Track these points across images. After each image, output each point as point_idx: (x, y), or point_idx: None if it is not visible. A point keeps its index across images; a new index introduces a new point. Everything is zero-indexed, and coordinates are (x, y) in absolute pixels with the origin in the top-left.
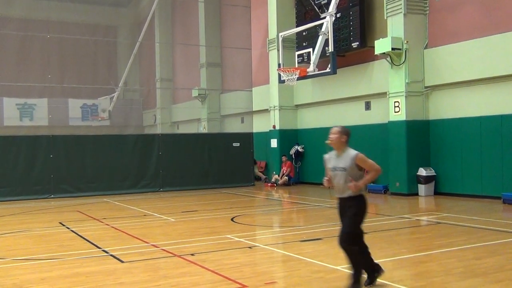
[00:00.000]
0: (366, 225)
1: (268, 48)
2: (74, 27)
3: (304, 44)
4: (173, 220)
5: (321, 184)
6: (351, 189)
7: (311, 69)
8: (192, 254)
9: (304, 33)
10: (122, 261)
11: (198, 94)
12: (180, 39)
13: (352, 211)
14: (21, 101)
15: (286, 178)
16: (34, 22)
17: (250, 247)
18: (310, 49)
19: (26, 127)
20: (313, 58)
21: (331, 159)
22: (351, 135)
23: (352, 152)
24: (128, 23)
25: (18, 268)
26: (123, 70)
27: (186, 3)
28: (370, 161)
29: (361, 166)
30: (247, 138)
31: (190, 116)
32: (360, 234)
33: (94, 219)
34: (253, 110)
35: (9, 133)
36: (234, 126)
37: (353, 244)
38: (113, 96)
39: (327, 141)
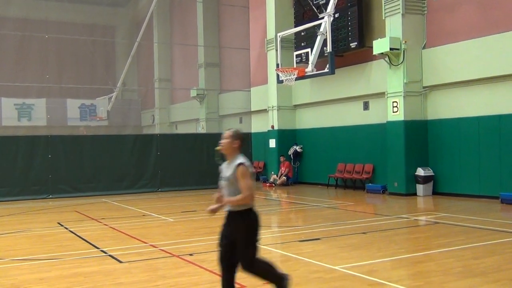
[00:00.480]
0: (365, 225)
1: (267, 48)
2: (72, 27)
3: (302, 44)
4: (172, 220)
5: (319, 184)
6: (216, 202)
7: (309, 69)
8: (191, 254)
9: (302, 33)
10: (120, 261)
11: (197, 94)
12: (179, 39)
13: (242, 235)
14: (19, 101)
15: (284, 178)
16: (33, 22)
17: None
18: (309, 49)
19: (24, 127)
20: (311, 58)
21: (223, 167)
22: (244, 140)
23: (238, 160)
24: (126, 23)
25: (17, 268)
26: (121, 70)
27: (184, 3)
28: (248, 181)
29: (237, 181)
30: (245, 138)
31: (189, 116)
32: (256, 252)
33: (93, 219)
34: (252, 110)
35: (8, 133)
36: (232, 126)
37: (256, 265)
38: (112, 96)
39: (217, 147)
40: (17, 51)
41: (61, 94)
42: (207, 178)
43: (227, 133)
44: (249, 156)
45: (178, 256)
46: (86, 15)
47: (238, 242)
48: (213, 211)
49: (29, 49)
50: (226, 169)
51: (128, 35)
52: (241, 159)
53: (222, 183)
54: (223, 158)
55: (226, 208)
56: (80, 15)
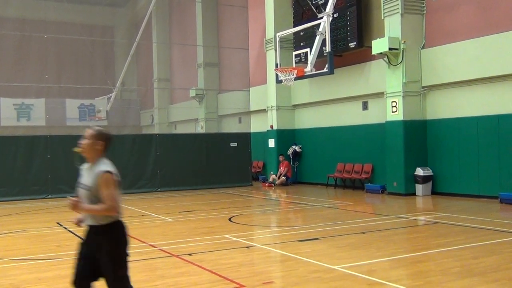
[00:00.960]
0: (364, 225)
1: (266, 48)
2: (71, 27)
3: (301, 44)
4: (171, 220)
5: (318, 184)
6: (71, 208)
7: (308, 69)
8: (190, 254)
9: (301, 33)
10: None
11: (196, 94)
12: (178, 39)
13: (107, 254)
14: (18, 101)
15: (283, 178)
16: (31, 22)
17: (247, 247)
18: (308, 49)
19: (24, 127)
20: (310, 58)
21: (82, 172)
22: (110, 142)
23: (101, 167)
24: (125, 23)
25: (16, 268)
26: (120, 70)
27: (183, 3)
28: (112, 190)
29: (100, 190)
30: (244, 138)
31: (188, 116)
32: (125, 271)
33: None
34: (251, 110)
35: (7, 133)
36: (231, 126)
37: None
38: (111, 96)
39: (76, 148)
40: (16, 51)
41: (60, 94)
42: (206, 178)
43: (88, 132)
44: (248, 156)
45: (177, 256)
46: (85, 15)
47: (103, 263)
48: (80, 222)
49: (28, 49)
50: (86, 175)
51: (127, 35)
52: (105, 165)
53: (81, 190)
54: (83, 161)
55: (92, 221)
56: (79, 15)
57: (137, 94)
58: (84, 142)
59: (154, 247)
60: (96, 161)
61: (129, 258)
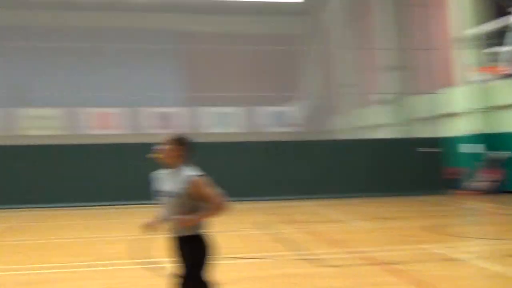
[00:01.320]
0: None
1: (457, 47)
2: (257, 38)
3: (496, 41)
4: (366, 226)
5: None
6: (177, 224)
7: (508, 67)
8: (391, 263)
9: (496, 30)
10: (322, 265)
11: (383, 99)
12: (362, 43)
13: (189, 261)
14: (217, 109)
15: (485, 185)
16: (227, 36)
17: (453, 260)
18: (506, 47)
19: (221, 134)
20: (509, 55)
21: (161, 179)
22: (191, 147)
23: (188, 171)
24: (310, 31)
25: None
26: (307, 77)
27: (365, 6)
28: (210, 190)
29: (198, 195)
30: (436, 143)
31: (375, 121)
32: (203, 273)
33: (292, 222)
34: (444, 113)
35: (208, 139)
36: (421, 131)
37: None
38: (300, 103)
39: (151, 154)
40: (213, 64)
41: (254, 102)
42: (395, 185)
43: (168, 138)
44: (439, 162)
45: (377, 264)
46: (272, 26)
47: (186, 261)
48: (151, 227)
49: (224, 62)
50: (168, 181)
51: (313, 42)
52: (192, 169)
53: (164, 199)
54: (161, 168)
55: (178, 232)
56: (268, 27)
57: (323, 100)
58: (163, 147)
59: (354, 253)
60: (179, 167)
61: (210, 267)
